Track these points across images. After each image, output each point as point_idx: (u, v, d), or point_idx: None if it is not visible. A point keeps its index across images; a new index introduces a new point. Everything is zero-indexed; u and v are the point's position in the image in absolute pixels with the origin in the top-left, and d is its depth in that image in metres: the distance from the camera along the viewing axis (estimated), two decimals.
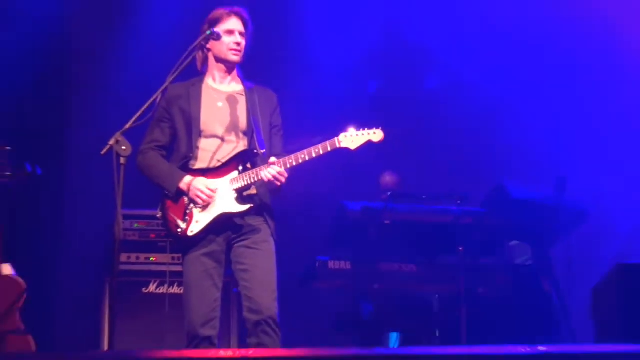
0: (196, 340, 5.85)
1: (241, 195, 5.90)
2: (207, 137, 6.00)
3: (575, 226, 8.17)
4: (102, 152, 5.62)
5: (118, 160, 5.58)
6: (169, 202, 6.01)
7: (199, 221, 5.92)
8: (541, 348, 3.40)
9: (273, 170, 5.79)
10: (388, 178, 8.43)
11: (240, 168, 5.90)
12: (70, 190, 8.57)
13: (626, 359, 3.24)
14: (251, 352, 5.21)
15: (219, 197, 5.90)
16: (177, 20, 8.64)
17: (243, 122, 6.03)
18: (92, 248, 7.85)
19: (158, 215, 6.10)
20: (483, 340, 7.36)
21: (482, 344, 6.57)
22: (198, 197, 5.88)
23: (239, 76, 6.16)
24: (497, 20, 9.04)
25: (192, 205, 5.94)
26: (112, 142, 5.59)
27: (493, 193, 8.03)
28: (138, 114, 5.73)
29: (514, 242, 8.26)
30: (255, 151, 5.93)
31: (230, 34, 6.01)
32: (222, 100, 6.06)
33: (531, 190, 8.11)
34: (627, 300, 4.12)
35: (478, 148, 8.97)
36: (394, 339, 7.93)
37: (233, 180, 5.90)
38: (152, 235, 7.70)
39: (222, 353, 5.47)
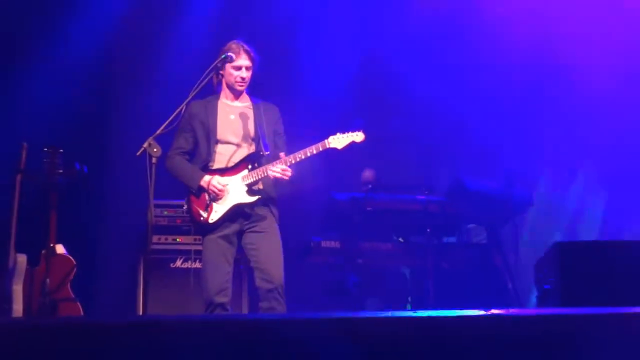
0: (212, 307, 5.98)
1: (251, 189, 6.07)
2: (222, 143, 6.19)
3: (521, 212, 8.17)
4: (138, 154, 5.68)
5: (150, 160, 5.65)
6: (192, 197, 6.20)
7: (217, 211, 6.10)
8: (494, 311, 3.40)
9: (277, 168, 5.98)
10: (368, 173, 8.42)
11: (250, 167, 6.09)
12: (111, 185, 8.53)
13: (562, 320, 3.24)
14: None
15: (233, 191, 6.09)
16: (208, 38, 8.62)
17: (251, 130, 6.20)
18: (129, 231, 7.82)
19: (184, 207, 6.32)
20: (447, 305, 7.35)
21: (446, 308, 6.58)
22: (213, 191, 6.07)
23: (247, 94, 6.31)
24: (463, 34, 8.98)
25: (210, 198, 6.11)
26: (145, 145, 5.65)
27: (454, 185, 8.02)
28: (167, 122, 5.80)
29: (471, 225, 8.26)
30: (261, 153, 6.10)
31: (238, 69, 6.19)
32: (234, 114, 6.24)
33: (485, 183, 8.12)
34: (564, 272, 4.12)
35: (442, 147, 8.94)
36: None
37: (244, 177, 6.09)
38: (178, 221, 7.70)
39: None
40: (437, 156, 8.86)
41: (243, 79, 6.21)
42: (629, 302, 3.78)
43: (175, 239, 7.67)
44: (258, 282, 6.04)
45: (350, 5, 9.16)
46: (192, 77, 6.07)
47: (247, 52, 6.18)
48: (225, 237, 6.09)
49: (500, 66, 8.97)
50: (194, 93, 5.92)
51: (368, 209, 7.84)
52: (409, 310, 7.74)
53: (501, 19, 8.95)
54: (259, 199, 6.08)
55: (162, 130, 5.78)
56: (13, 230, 6.58)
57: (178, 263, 7.59)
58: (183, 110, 5.94)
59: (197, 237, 7.50)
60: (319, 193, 8.18)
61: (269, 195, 6.15)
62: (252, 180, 6.08)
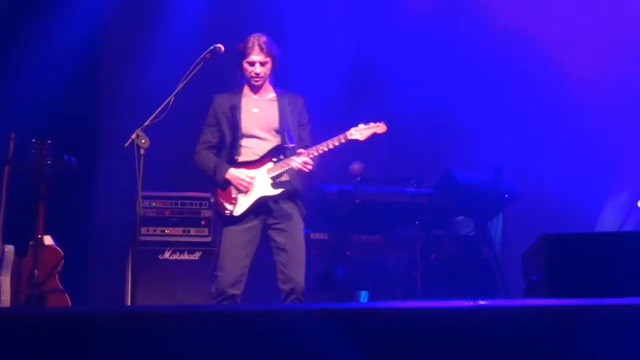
0: (223, 296, 6.05)
1: (275, 182, 6.12)
2: (247, 137, 6.23)
3: (509, 204, 8.20)
4: (126, 145, 5.69)
5: (139, 151, 5.66)
6: (218, 190, 6.24)
7: (242, 204, 6.14)
8: (481, 302, 3.42)
9: (300, 160, 6.01)
10: (356, 166, 8.42)
11: (275, 159, 6.13)
12: (99, 176, 8.53)
13: (548, 311, 3.26)
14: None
15: (258, 183, 6.15)
16: (196, 31, 8.61)
17: (275, 123, 6.22)
18: (117, 223, 7.81)
19: (211, 200, 6.49)
20: (435, 296, 7.38)
21: (435, 300, 6.60)
22: (239, 184, 6.12)
23: (271, 84, 6.32)
24: (454, 29, 9.00)
25: (236, 191, 6.15)
26: (133, 136, 5.66)
27: (443, 177, 8.04)
28: (155, 114, 5.81)
29: (459, 217, 8.27)
30: (286, 145, 6.13)
31: (252, 65, 6.21)
32: (257, 107, 6.27)
33: (474, 175, 8.13)
34: (550, 264, 4.14)
35: (431, 140, 8.95)
36: (363, 296, 7.92)
37: (269, 170, 6.13)
38: (167, 212, 7.69)
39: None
40: (426, 148, 8.86)
41: (257, 74, 6.20)
42: (615, 293, 3.80)
43: (163, 231, 7.67)
44: (279, 283, 6.12)
45: (338, 2, 9.14)
46: (181, 68, 6.07)
47: (260, 46, 6.16)
48: (249, 230, 6.13)
49: (489, 60, 9.00)
50: (182, 84, 5.92)
51: (357, 201, 7.85)
52: (397, 301, 7.76)
53: (489, 11, 8.97)
54: (283, 191, 6.12)
55: (151, 121, 5.79)
56: (0, 221, 6.57)
57: (166, 255, 7.59)
58: (211, 108, 6.25)
59: (186, 228, 7.62)
60: (309, 185, 8.20)
61: (294, 188, 6.19)
62: (277, 172, 6.12)
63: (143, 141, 5.65)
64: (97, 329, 3.19)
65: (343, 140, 6.05)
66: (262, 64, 6.19)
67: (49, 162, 6.68)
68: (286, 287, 6.08)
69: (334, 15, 9.00)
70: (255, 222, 6.15)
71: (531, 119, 8.97)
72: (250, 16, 8.60)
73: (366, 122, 6.11)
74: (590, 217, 8.64)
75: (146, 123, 5.76)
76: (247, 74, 6.23)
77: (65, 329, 3.18)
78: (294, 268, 6.11)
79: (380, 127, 6.11)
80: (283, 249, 6.12)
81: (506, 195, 7.96)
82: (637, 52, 8.86)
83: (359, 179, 8.06)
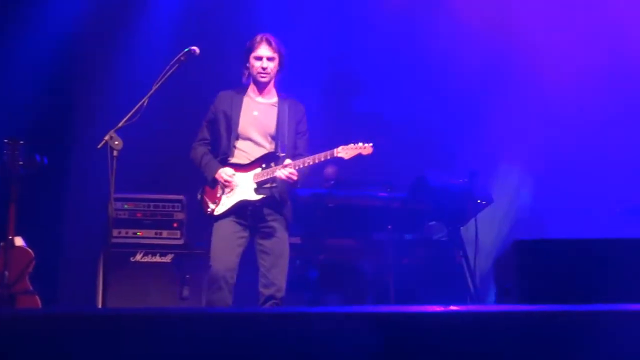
0: (218, 283, 6.08)
1: (259, 188, 6.17)
2: (243, 139, 6.28)
3: (481, 209, 8.21)
4: (99, 146, 5.67)
5: (112, 152, 5.64)
6: (207, 188, 6.32)
7: (224, 204, 6.21)
8: (453, 307, 3.43)
9: (286, 171, 6.06)
10: (330, 170, 8.41)
11: (264, 166, 6.18)
12: (72, 177, 8.49)
13: (520, 317, 3.27)
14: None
15: (242, 187, 6.21)
16: (172, 33, 8.59)
17: (272, 129, 6.27)
18: (89, 224, 7.79)
19: (198, 197, 6.39)
20: (407, 301, 7.38)
21: (406, 304, 6.61)
22: (220, 181, 6.19)
23: (275, 88, 6.36)
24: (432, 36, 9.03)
25: (222, 191, 6.21)
26: (107, 137, 5.65)
27: (416, 182, 8.04)
28: (129, 115, 5.79)
29: (432, 222, 8.28)
30: (277, 154, 6.18)
31: (259, 59, 6.26)
32: (258, 110, 6.30)
33: (447, 180, 8.14)
34: (522, 270, 4.15)
35: (405, 144, 8.96)
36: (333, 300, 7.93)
37: (256, 175, 6.18)
38: (139, 215, 7.67)
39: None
40: (400, 152, 8.87)
41: (264, 69, 6.24)
42: (587, 299, 3.82)
43: (135, 233, 7.65)
44: (260, 287, 6.18)
45: (315, 7, 9.13)
46: (155, 70, 6.05)
47: (267, 41, 6.24)
48: (238, 224, 6.19)
49: (464, 64, 9.01)
50: (157, 86, 5.90)
51: (330, 205, 7.84)
52: (369, 306, 7.75)
53: (460, 19, 9.01)
54: (264, 198, 6.16)
55: (124, 123, 5.77)
56: None
57: (138, 257, 7.56)
58: (213, 105, 6.31)
59: (158, 231, 7.60)
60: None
61: (280, 197, 6.23)
62: (262, 179, 6.16)
63: (116, 143, 5.63)
64: (68, 330, 3.17)
65: (329, 157, 6.11)
66: (270, 59, 6.25)
67: (20, 162, 6.66)
68: (267, 292, 6.14)
69: (312, 22, 8.98)
70: (244, 222, 6.20)
71: (504, 122, 8.99)
72: (227, 20, 8.59)
73: (355, 142, 6.14)
74: (561, 222, 8.68)
75: (119, 125, 5.74)
76: (253, 70, 6.27)
77: (35, 330, 3.16)
78: (277, 273, 6.17)
79: (366, 149, 6.15)
80: (267, 253, 6.18)
81: (479, 201, 7.98)
82: (611, 59, 8.90)
83: (332, 182, 8.06)
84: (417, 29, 9.09)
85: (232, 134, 6.26)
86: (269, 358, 3.11)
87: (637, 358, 3.16)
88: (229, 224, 6.17)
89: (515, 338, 3.17)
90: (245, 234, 6.19)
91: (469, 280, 7.88)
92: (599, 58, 8.84)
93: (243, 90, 6.37)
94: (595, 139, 8.71)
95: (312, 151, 6.23)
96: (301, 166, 6.09)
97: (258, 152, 6.25)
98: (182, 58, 6.00)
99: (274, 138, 6.25)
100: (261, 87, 6.32)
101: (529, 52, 8.89)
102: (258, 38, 6.25)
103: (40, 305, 6.61)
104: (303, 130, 6.38)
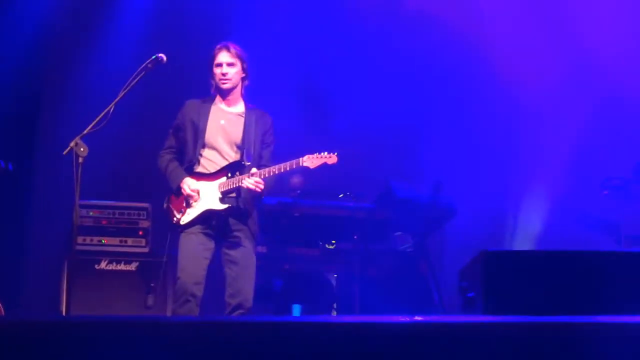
0: (185, 296, 6.04)
1: (224, 197, 6.15)
2: (209, 147, 6.25)
3: (446, 220, 8.25)
4: (64, 152, 5.66)
5: (77, 159, 5.62)
6: (172, 197, 6.30)
7: (190, 214, 6.19)
8: (418, 318, 3.44)
9: (252, 180, 6.04)
10: (296, 179, 8.41)
11: (229, 175, 6.16)
12: (37, 184, 8.44)
13: (485, 328, 3.28)
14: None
15: (207, 196, 6.19)
16: (141, 36, 8.57)
17: (238, 138, 6.25)
18: (54, 231, 7.75)
19: (164, 206, 6.37)
20: (372, 311, 7.40)
21: (372, 314, 6.62)
22: (184, 191, 6.17)
23: (242, 98, 6.35)
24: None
25: (187, 201, 6.18)
26: (72, 144, 5.63)
27: (382, 192, 8.07)
28: (94, 122, 5.78)
29: (398, 233, 8.29)
30: (243, 162, 6.16)
31: (219, 66, 6.25)
32: (225, 119, 6.28)
33: (412, 191, 8.17)
34: (488, 280, 4.17)
35: (371, 155, 8.98)
36: (296, 309, 7.91)
37: (221, 185, 6.16)
38: (104, 222, 7.64)
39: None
40: (365, 164, 8.89)
41: (224, 75, 6.23)
42: (551, 311, 3.84)
43: (100, 240, 7.61)
44: (227, 297, 6.16)
45: (287, 13, 9.13)
46: (122, 77, 6.04)
47: (226, 47, 6.26)
48: (204, 235, 6.17)
49: (430, 75, 9.06)
50: (123, 93, 5.89)
51: (295, 214, 7.85)
52: (334, 316, 7.76)
53: (436, 23, 9.05)
54: (229, 207, 6.15)
55: (90, 129, 5.76)
56: None
57: (103, 265, 7.53)
58: (179, 113, 6.30)
59: (123, 239, 7.58)
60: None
61: (245, 207, 6.22)
62: (227, 188, 6.15)
63: (82, 149, 5.62)
64: (30, 338, 3.15)
65: (294, 166, 6.11)
66: (229, 64, 6.24)
67: None
68: (233, 302, 6.13)
69: (281, 32, 8.98)
70: (208, 232, 6.18)
71: (471, 134, 9.03)
72: (196, 29, 8.57)
73: (319, 151, 6.16)
74: (531, 232, 8.74)
75: (85, 131, 5.73)
76: (216, 78, 6.26)
77: None
78: (244, 283, 6.16)
79: (331, 158, 6.16)
80: (234, 262, 6.17)
81: (444, 211, 8.02)
82: (571, 71, 8.97)
83: (299, 192, 8.07)
84: (386, 42, 9.12)
85: (199, 142, 6.24)
86: None
87: None
88: (195, 236, 6.16)
89: (479, 348, 3.19)
90: (212, 245, 6.19)
91: (434, 290, 7.91)
92: (576, 67, 8.91)
93: (211, 99, 6.37)
94: (564, 148, 8.77)
95: (279, 160, 6.22)
96: (267, 175, 6.08)
97: (224, 161, 6.24)
98: (149, 65, 5.99)
99: (240, 147, 6.25)
100: (225, 95, 6.31)
101: (498, 62, 8.92)
102: (217, 46, 6.28)
103: (2, 312, 6.55)
104: (269, 142, 6.37)
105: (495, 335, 3.24)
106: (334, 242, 8.04)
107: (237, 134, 6.26)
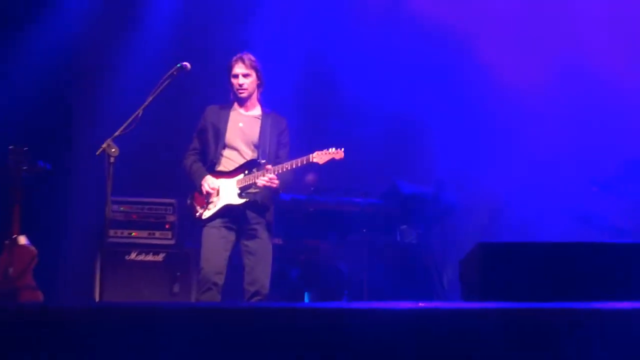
0: (208, 284, 6.09)
1: (242, 193, 6.18)
2: (229, 148, 6.31)
3: (447, 215, 8.24)
4: (97, 153, 5.69)
5: (108, 159, 5.64)
6: (196, 194, 6.32)
7: (210, 209, 6.22)
8: (421, 304, 3.44)
9: (266, 177, 6.09)
10: (311, 177, 8.42)
11: (246, 172, 6.20)
12: (72, 182, 8.45)
13: (483, 314, 3.28)
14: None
15: (226, 192, 6.22)
16: (172, 42, 8.58)
17: (255, 138, 6.30)
18: (88, 225, 7.76)
19: (188, 202, 6.41)
20: (380, 298, 7.40)
21: (379, 301, 6.62)
22: (207, 192, 6.21)
23: (259, 102, 6.39)
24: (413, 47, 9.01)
25: (208, 198, 6.23)
26: (104, 145, 5.66)
27: (388, 189, 8.07)
28: (124, 125, 5.80)
29: (403, 226, 8.30)
30: (259, 160, 6.19)
31: (235, 77, 6.29)
32: (243, 122, 6.34)
33: (417, 188, 8.16)
34: (485, 270, 4.17)
35: (379, 155, 8.95)
36: (307, 297, 7.93)
37: (239, 181, 6.20)
38: (134, 216, 7.67)
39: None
40: (374, 163, 8.87)
41: (241, 85, 6.28)
42: (543, 298, 3.83)
43: (130, 233, 7.65)
44: (245, 284, 6.19)
45: (294, 16, 9.10)
46: (150, 83, 6.06)
47: (241, 60, 6.28)
48: (225, 228, 6.19)
49: (435, 83, 8.99)
50: (151, 98, 5.91)
51: (310, 209, 7.86)
52: (345, 302, 7.76)
53: (436, 24, 9.00)
54: (246, 202, 6.18)
55: (120, 132, 5.78)
56: None
57: (132, 255, 7.56)
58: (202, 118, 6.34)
59: (151, 232, 7.60)
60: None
61: (262, 202, 6.25)
62: (245, 184, 6.18)
63: (113, 150, 5.65)
64: (67, 323, 3.16)
65: (305, 162, 6.14)
66: (245, 75, 6.28)
67: (24, 168, 6.64)
68: (252, 289, 6.15)
69: (290, 38, 8.96)
70: (228, 225, 6.20)
71: (471, 136, 8.99)
72: (217, 39, 8.56)
73: (327, 148, 6.19)
74: (525, 225, 8.70)
75: (116, 133, 5.75)
76: (233, 88, 6.30)
77: (37, 322, 3.15)
78: (260, 271, 6.19)
79: (338, 154, 6.19)
80: (252, 253, 6.20)
81: (446, 208, 8.01)
82: (573, 65, 8.93)
83: (312, 189, 8.07)
84: (390, 41, 9.06)
85: (220, 143, 6.30)
86: (256, 349, 3.12)
87: (594, 354, 3.17)
88: (216, 230, 6.19)
89: (478, 333, 3.18)
90: (232, 237, 6.21)
91: (436, 279, 7.90)
92: (569, 69, 8.87)
93: (229, 105, 6.42)
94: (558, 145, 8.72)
95: (291, 157, 6.26)
96: (280, 171, 6.12)
97: (242, 160, 6.28)
98: (174, 72, 6.01)
99: (257, 147, 6.28)
100: (243, 102, 6.36)
101: (496, 64, 8.86)
102: (234, 58, 6.31)
103: (42, 300, 6.58)
104: (285, 142, 6.40)
105: (492, 320, 3.24)
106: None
107: (254, 135, 6.30)
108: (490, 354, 3.14)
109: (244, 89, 6.28)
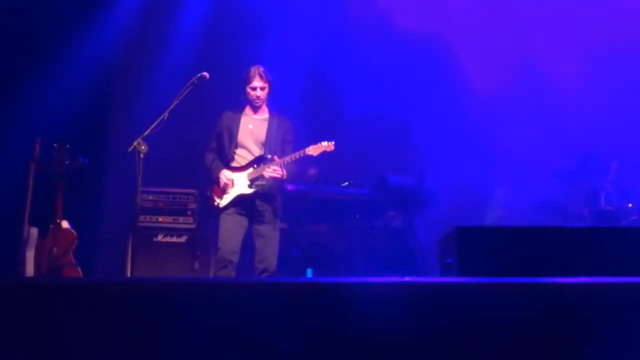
0: (224, 262, 6.14)
1: (252, 184, 6.25)
2: (241, 147, 6.36)
3: (430, 203, 8.23)
4: (129, 150, 5.68)
5: (139, 155, 5.64)
6: (214, 187, 6.38)
7: (226, 198, 6.30)
8: (406, 279, 3.44)
9: (270, 169, 6.16)
10: (312, 171, 8.41)
11: (255, 166, 6.28)
12: (108, 174, 8.45)
13: (459, 287, 3.29)
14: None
15: (238, 184, 6.29)
16: (193, 55, 8.57)
17: (263, 138, 6.36)
18: (121, 211, 7.76)
19: (208, 194, 6.47)
20: (370, 274, 7.40)
21: (370, 276, 6.62)
22: (221, 182, 6.28)
23: (267, 107, 6.43)
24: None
25: (224, 189, 6.30)
26: (135, 143, 5.67)
27: (378, 181, 8.07)
28: (153, 126, 5.82)
29: (391, 213, 8.29)
30: (266, 156, 6.27)
31: (253, 89, 6.34)
32: (252, 124, 6.40)
33: (403, 179, 8.16)
34: (461, 250, 4.17)
35: (369, 151, 8.92)
36: (309, 272, 7.92)
37: (249, 174, 6.29)
38: (160, 204, 7.68)
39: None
40: (364, 158, 8.85)
41: (258, 97, 6.34)
42: (511, 274, 3.83)
43: (157, 219, 7.66)
44: (256, 262, 6.25)
45: (294, 23, 9.05)
46: (175, 89, 6.08)
47: (260, 75, 6.32)
48: (239, 214, 6.26)
49: (418, 80, 8.93)
50: (175, 103, 5.92)
51: (310, 198, 7.87)
52: (340, 277, 7.75)
53: (419, 35, 8.97)
54: (255, 191, 6.23)
55: (149, 132, 5.80)
56: (27, 209, 6.53)
57: (160, 237, 7.57)
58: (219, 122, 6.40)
59: (175, 217, 7.61)
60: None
61: (270, 191, 6.30)
62: (254, 176, 6.24)
63: (143, 147, 5.66)
64: (104, 295, 3.17)
65: (302, 154, 6.21)
66: (262, 88, 6.33)
67: (66, 162, 6.65)
68: (261, 266, 6.21)
69: (291, 43, 8.90)
70: (241, 212, 6.26)
71: (451, 132, 8.94)
72: (233, 51, 8.54)
73: (320, 141, 6.25)
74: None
75: (145, 133, 5.77)
76: (249, 97, 6.36)
77: (77, 295, 3.15)
78: (269, 251, 6.24)
79: (329, 147, 6.27)
80: (261, 236, 6.26)
81: (429, 196, 8.00)
82: (536, 72, 8.91)
83: (313, 180, 8.08)
84: (379, 51, 9.01)
85: (233, 143, 6.36)
86: (264, 317, 3.12)
87: (564, 326, 3.15)
88: (231, 216, 6.25)
89: (454, 303, 3.19)
90: (245, 222, 6.27)
91: (419, 258, 7.90)
92: (537, 76, 8.87)
93: (241, 109, 6.46)
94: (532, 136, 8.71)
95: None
96: (283, 163, 6.20)
97: (252, 157, 6.35)
98: (195, 81, 6.02)
99: (264, 145, 6.33)
100: (256, 109, 6.37)
101: (471, 68, 8.83)
102: (252, 72, 6.32)
103: (81, 275, 6.59)
104: (289, 140, 6.45)
105: (467, 293, 3.24)
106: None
107: (262, 135, 6.35)
108: (464, 321, 3.15)
109: (260, 100, 6.36)
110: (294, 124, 6.54)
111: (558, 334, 3.12)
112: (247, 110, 6.43)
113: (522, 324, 3.14)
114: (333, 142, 6.27)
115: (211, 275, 7.30)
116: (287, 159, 6.22)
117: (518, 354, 3.10)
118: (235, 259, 6.15)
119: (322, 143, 6.24)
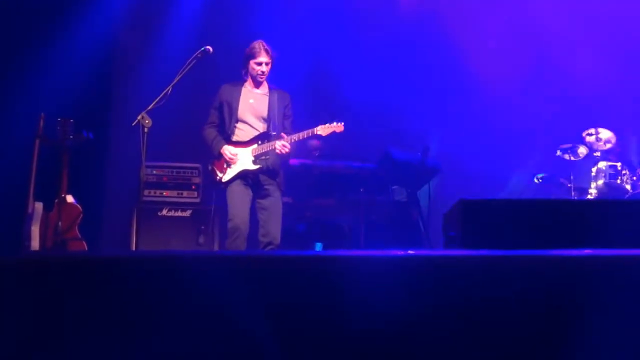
0: (237, 232, 6.14)
1: (256, 160, 6.23)
2: (241, 122, 6.31)
3: (432, 177, 8.24)
4: (133, 124, 5.68)
5: (143, 129, 5.64)
6: (215, 161, 6.36)
7: (229, 173, 6.28)
8: (410, 252, 3.44)
9: (280, 143, 6.13)
10: (315, 143, 8.39)
11: (259, 142, 6.26)
12: (112, 149, 8.44)
13: (462, 259, 3.29)
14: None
15: (242, 159, 6.27)
16: (190, 35, 8.53)
17: (264, 113, 6.31)
18: (126, 186, 7.77)
19: (209, 168, 6.45)
20: (375, 247, 7.42)
21: (374, 249, 6.63)
22: (225, 157, 6.24)
23: (266, 82, 6.38)
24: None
25: (227, 164, 6.27)
26: (139, 117, 5.67)
27: (382, 156, 8.07)
28: (156, 100, 5.81)
29: (395, 186, 8.30)
30: (270, 132, 6.24)
31: (259, 65, 6.27)
32: (253, 98, 6.34)
33: (406, 154, 8.16)
34: (465, 223, 4.17)
35: (375, 125, 8.92)
36: (318, 246, 7.94)
37: (253, 150, 6.26)
38: (165, 178, 7.68)
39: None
40: (370, 132, 8.85)
41: (263, 72, 6.29)
42: (514, 247, 3.83)
43: (161, 193, 7.65)
44: (260, 236, 6.25)
45: (301, 10, 9.02)
46: (179, 63, 6.07)
47: (266, 50, 6.27)
48: (245, 186, 6.25)
49: (422, 62, 8.96)
50: (179, 77, 5.92)
51: (315, 172, 7.87)
52: (345, 250, 7.78)
53: (419, 22, 8.97)
54: (260, 168, 6.22)
55: (153, 106, 5.80)
56: (32, 183, 6.52)
57: (164, 212, 7.57)
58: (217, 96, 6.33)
59: (179, 191, 7.61)
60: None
61: (274, 168, 6.29)
62: (258, 152, 6.22)
63: (147, 121, 5.66)
64: (109, 268, 3.18)
65: (311, 134, 6.21)
66: (267, 64, 6.29)
67: (71, 137, 6.62)
68: (265, 240, 6.20)
69: (295, 25, 8.86)
70: (246, 184, 6.26)
71: (453, 109, 8.98)
72: (233, 25, 8.51)
73: (330, 121, 6.24)
74: (499, 184, 8.74)
75: (149, 107, 5.76)
76: (254, 72, 6.30)
77: (82, 268, 3.16)
78: (273, 225, 6.22)
79: (339, 127, 6.26)
80: (264, 209, 6.25)
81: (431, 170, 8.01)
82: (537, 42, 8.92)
83: (317, 154, 8.06)
84: (381, 37, 9.01)
85: (233, 117, 6.32)
86: (268, 288, 3.13)
87: (565, 298, 3.16)
88: (237, 187, 6.25)
89: (457, 275, 3.19)
90: (251, 193, 6.27)
91: (423, 231, 7.92)
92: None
93: (241, 83, 6.40)
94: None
95: (297, 128, 6.33)
96: (291, 141, 6.18)
97: (253, 131, 6.31)
98: (198, 55, 6.02)
99: (266, 120, 6.30)
100: (258, 83, 6.34)
101: (477, 54, 8.85)
102: (257, 46, 6.26)
103: (86, 249, 6.60)
104: (289, 114, 6.43)
105: (471, 265, 3.24)
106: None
107: (263, 110, 6.32)
108: (466, 293, 3.16)
109: (264, 75, 6.32)
110: (293, 99, 6.51)
111: (562, 306, 3.12)
112: (248, 84, 6.37)
113: (526, 297, 3.14)
114: (342, 123, 6.25)
115: (215, 248, 7.32)
116: (295, 137, 6.19)
117: (522, 327, 3.11)
118: (246, 229, 6.18)
119: (332, 123, 6.22)
